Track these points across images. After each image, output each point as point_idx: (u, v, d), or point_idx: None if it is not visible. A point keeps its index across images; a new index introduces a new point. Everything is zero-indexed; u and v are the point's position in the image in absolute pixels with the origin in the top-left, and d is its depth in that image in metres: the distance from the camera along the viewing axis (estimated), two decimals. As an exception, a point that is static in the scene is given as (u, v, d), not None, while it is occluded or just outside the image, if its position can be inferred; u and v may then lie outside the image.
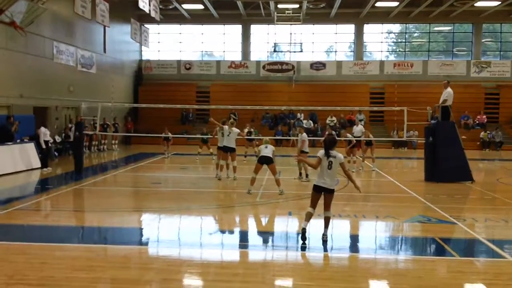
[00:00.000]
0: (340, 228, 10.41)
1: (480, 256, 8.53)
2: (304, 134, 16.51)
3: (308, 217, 8.75)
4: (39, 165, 18.73)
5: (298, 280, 7.01)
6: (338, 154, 8.74)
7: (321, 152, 8.72)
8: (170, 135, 23.39)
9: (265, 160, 13.55)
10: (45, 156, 18.88)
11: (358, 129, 24.71)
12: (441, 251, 8.70)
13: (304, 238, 8.62)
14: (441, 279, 7.12)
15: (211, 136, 19.27)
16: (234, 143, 16.04)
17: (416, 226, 10.26)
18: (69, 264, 7.36)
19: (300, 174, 16.55)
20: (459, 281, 7.04)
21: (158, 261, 7.93)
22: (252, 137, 23.17)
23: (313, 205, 8.79)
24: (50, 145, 19.84)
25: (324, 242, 8.67)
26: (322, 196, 8.78)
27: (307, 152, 16.08)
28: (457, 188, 15.37)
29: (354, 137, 24.25)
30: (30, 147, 18.96)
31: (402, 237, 9.76)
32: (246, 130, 22.92)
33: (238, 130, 16.28)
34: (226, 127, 16.07)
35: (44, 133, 18.77)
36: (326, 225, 8.79)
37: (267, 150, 13.58)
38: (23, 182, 16.43)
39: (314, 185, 8.80)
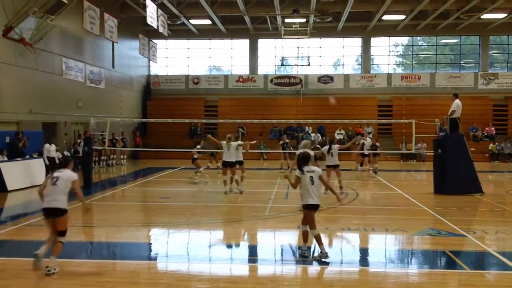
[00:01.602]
0: (349, 242, 10.39)
1: (491, 269, 8.44)
2: (323, 148, 16.63)
3: (320, 239, 8.46)
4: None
5: (308, 295, 6.97)
6: (316, 168, 8.74)
7: (297, 171, 8.53)
8: (198, 150, 19.74)
9: None
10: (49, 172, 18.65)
11: (367, 142, 24.75)
12: (451, 264, 8.63)
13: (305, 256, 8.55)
14: (452, 293, 7.07)
15: (220, 150, 19.26)
16: (234, 157, 16.18)
17: (426, 239, 10.19)
18: (78, 280, 7.37)
19: (341, 187, 16.29)
20: (470, 295, 6.99)
21: (167, 276, 7.93)
22: (287, 151, 22.93)
23: (315, 225, 8.53)
24: (57, 161, 19.61)
25: (326, 258, 8.38)
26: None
27: (330, 166, 16.15)
28: (467, 200, 15.26)
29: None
30: (39, 162, 19.03)
31: (412, 250, 9.69)
32: (281, 142, 22.97)
33: (236, 143, 16.41)
34: (223, 142, 16.25)
35: (48, 150, 18.47)
36: (320, 242, 8.50)
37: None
38: (32, 197, 16.47)
39: (307, 205, 8.48)
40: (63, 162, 8.47)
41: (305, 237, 8.59)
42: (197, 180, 19.47)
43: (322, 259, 8.33)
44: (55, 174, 8.01)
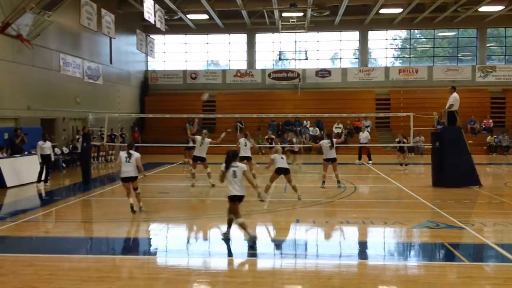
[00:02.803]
0: (348, 235, 10.42)
1: (489, 261, 8.48)
2: (322, 141, 16.66)
3: (244, 226, 9.21)
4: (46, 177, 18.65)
5: (307, 288, 7.00)
6: (240, 164, 9.41)
7: (222, 165, 9.31)
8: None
9: (283, 171, 13.89)
10: (43, 170, 17.81)
11: (364, 135, 24.87)
12: (450, 256, 8.66)
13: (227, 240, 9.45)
14: (451, 285, 7.10)
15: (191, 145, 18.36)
16: (205, 153, 16.62)
17: (424, 232, 10.22)
18: (78, 275, 7.39)
19: (339, 181, 16.42)
20: (468, 287, 7.01)
21: (166, 271, 7.95)
22: (273, 145, 22.92)
23: (239, 214, 9.30)
24: (53, 158, 18.53)
25: (255, 239, 9.06)
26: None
27: (329, 160, 16.21)
28: (465, 193, 15.30)
29: (361, 143, 24.40)
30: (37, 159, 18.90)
31: (410, 243, 9.71)
32: (266, 137, 23.19)
33: (210, 140, 16.71)
34: (198, 137, 16.57)
35: (41, 147, 17.76)
36: (245, 228, 9.23)
37: (284, 161, 13.96)
38: (30, 194, 16.47)
39: (229, 196, 9.29)
40: (131, 145, 12.74)
41: (229, 223, 9.50)
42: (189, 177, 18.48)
43: (253, 241, 8.97)
44: (129, 154, 12.22)
